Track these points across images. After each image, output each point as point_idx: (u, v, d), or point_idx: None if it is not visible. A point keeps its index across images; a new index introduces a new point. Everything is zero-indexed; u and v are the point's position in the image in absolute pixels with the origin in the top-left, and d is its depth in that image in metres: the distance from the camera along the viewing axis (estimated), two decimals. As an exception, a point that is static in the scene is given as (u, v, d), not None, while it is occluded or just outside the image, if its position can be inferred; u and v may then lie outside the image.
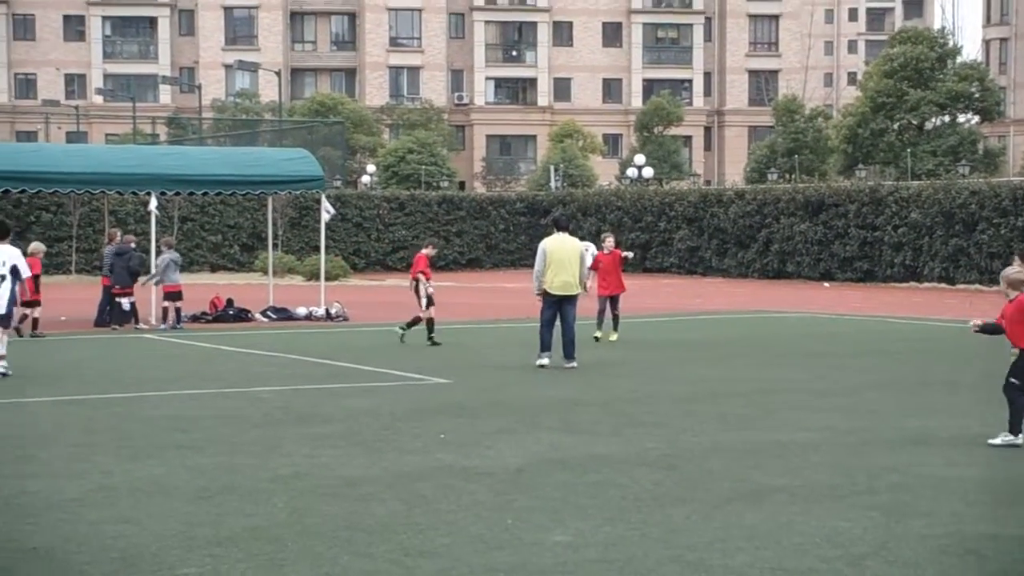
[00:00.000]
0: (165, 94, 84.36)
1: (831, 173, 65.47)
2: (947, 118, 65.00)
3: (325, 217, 27.70)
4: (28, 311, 21.81)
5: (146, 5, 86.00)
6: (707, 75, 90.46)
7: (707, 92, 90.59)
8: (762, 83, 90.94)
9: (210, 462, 10.49)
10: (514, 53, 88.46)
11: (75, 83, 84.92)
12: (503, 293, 36.65)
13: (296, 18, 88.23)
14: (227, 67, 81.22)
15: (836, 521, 8.44)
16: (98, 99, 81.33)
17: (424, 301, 21.12)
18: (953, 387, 14.75)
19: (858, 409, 13.71)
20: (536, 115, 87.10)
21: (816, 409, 13.69)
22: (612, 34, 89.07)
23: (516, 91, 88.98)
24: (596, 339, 21.07)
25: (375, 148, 76.51)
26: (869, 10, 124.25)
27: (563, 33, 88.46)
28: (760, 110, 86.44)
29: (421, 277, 21.28)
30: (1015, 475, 10.24)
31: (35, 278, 20.77)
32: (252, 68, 64.79)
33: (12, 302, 16.56)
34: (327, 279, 30.77)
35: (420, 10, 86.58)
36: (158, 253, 25.53)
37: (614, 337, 21.44)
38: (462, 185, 77.83)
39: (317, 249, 35.08)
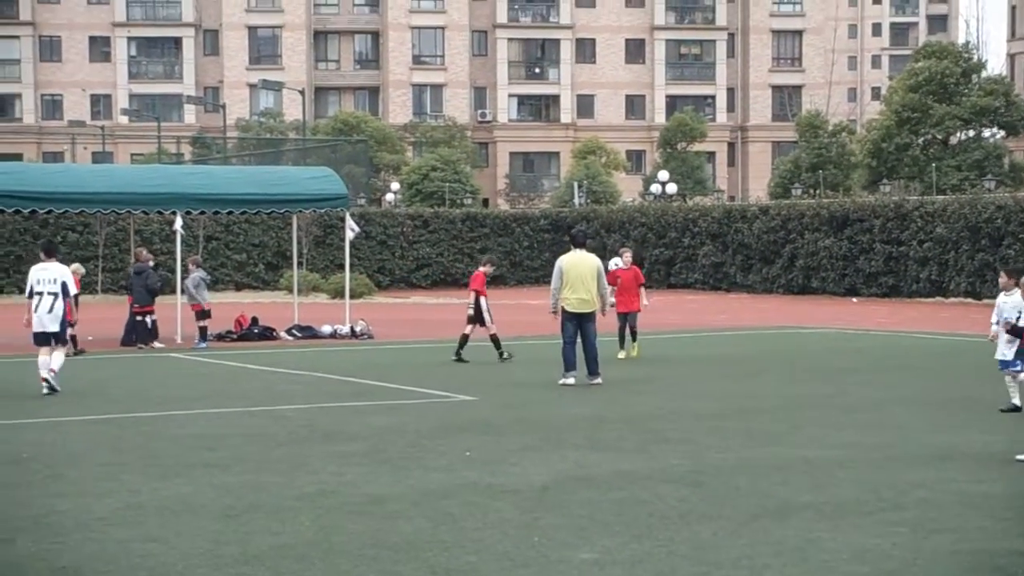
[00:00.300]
0: (190, 114, 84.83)
1: (855, 188, 65.29)
2: (972, 133, 64.76)
3: (349, 235, 27.77)
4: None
5: (171, 25, 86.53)
6: (730, 91, 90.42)
7: (730, 108, 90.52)
8: (785, 98, 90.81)
9: (236, 480, 10.52)
10: (537, 70, 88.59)
11: (101, 104, 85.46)
12: (527, 310, 36.62)
13: (320, 37, 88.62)
14: (251, 86, 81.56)
15: (864, 538, 8.40)
16: (123, 119, 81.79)
17: (473, 315, 21.16)
18: (979, 402, 14.67)
19: (884, 425, 13.65)
20: (559, 132, 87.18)
21: (842, 425, 13.64)
22: (635, 51, 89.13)
23: (539, 108, 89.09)
24: (620, 359, 21.00)
25: (399, 166, 76.68)
26: (893, 25, 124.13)
27: (586, 50, 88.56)
28: (784, 125, 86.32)
29: (478, 297, 21.26)
30: (1044, 491, 10.18)
31: (74, 297, 20.94)
32: (276, 87, 64.99)
33: (65, 320, 17.08)
34: (352, 297, 30.83)
35: (443, 28, 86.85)
36: (185, 272, 25.66)
37: (635, 352, 21.38)
38: (486, 202, 77.90)
39: (342, 267, 35.16)
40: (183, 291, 25.54)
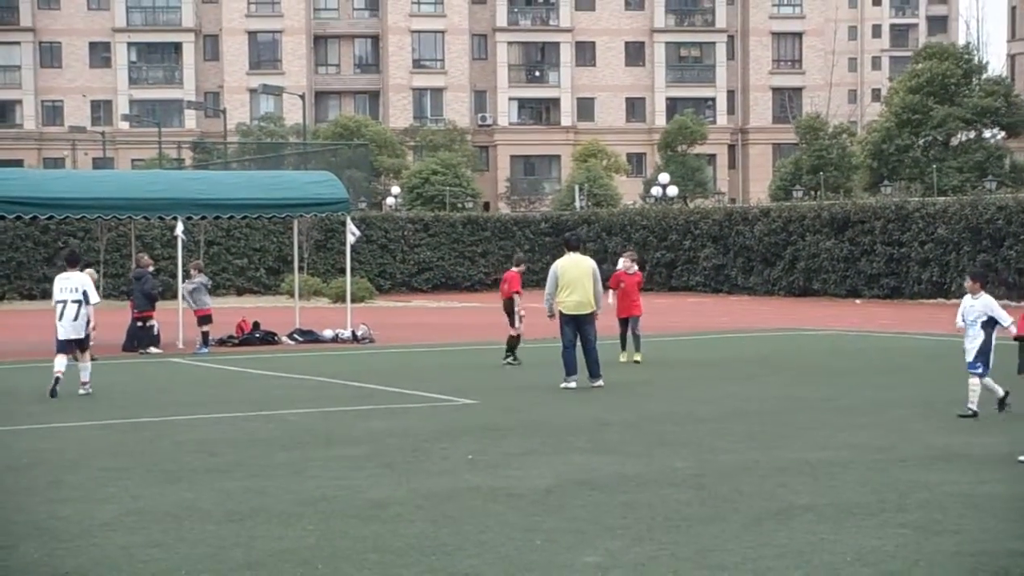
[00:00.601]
0: (190, 119, 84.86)
1: (856, 190, 65.31)
2: (973, 134, 64.77)
3: (350, 239, 27.78)
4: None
5: (171, 31, 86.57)
6: (730, 93, 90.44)
7: (731, 110, 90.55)
8: (786, 100, 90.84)
9: (239, 485, 10.52)
10: (537, 74, 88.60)
11: (101, 109, 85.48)
12: (528, 313, 36.62)
13: (320, 42, 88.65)
14: (251, 91, 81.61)
15: (867, 539, 8.40)
16: (124, 125, 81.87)
17: (517, 319, 21.17)
18: (980, 404, 14.64)
19: (886, 426, 13.65)
20: (560, 135, 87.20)
21: (844, 427, 13.64)
22: (635, 53, 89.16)
23: (539, 111, 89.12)
24: (622, 362, 21.03)
25: (399, 170, 76.72)
26: (893, 27, 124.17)
27: (586, 53, 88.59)
28: (784, 127, 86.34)
29: (516, 297, 21.41)
30: (1047, 492, 10.17)
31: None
32: (276, 92, 65.05)
33: (87, 327, 17.56)
34: (353, 301, 30.84)
35: (443, 32, 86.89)
36: (186, 277, 25.68)
37: (638, 357, 21.36)
38: (486, 206, 77.94)
39: (343, 271, 35.18)
40: (183, 296, 25.55)
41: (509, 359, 21.10)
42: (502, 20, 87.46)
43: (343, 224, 28.24)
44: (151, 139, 73.36)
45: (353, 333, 26.95)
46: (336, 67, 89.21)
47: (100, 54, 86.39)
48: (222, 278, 47.08)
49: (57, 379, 16.94)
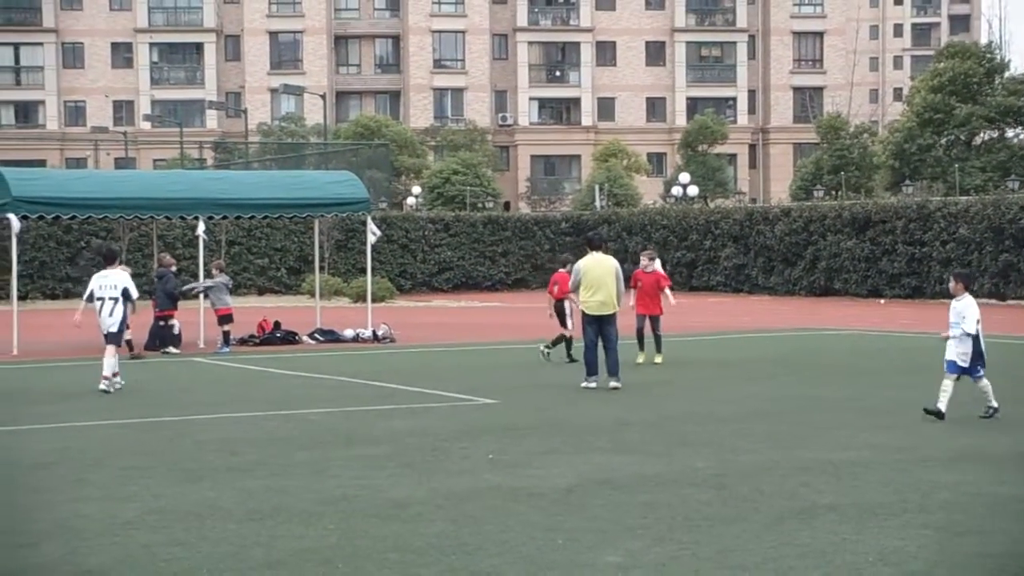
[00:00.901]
0: (212, 119, 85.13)
1: (878, 189, 65.10)
2: (996, 133, 64.48)
3: (371, 239, 27.80)
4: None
5: (192, 31, 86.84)
6: (751, 92, 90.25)
7: (751, 110, 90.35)
8: (807, 100, 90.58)
9: (260, 484, 10.54)
10: (558, 73, 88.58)
11: (123, 109, 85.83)
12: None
13: (340, 42, 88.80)
14: (273, 91, 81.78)
15: (889, 540, 8.38)
16: (146, 125, 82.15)
17: (569, 320, 21.29)
18: (1002, 403, 14.58)
19: (908, 427, 13.61)
20: (580, 135, 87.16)
21: (866, 427, 13.60)
22: (655, 53, 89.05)
23: (560, 111, 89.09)
24: (639, 363, 20.84)
25: (420, 170, 76.79)
26: (914, 26, 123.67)
27: (606, 53, 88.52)
28: (805, 127, 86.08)
29: (573, 296, 21.36)
30: (1070, 492, 10.12)
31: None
32: (297, 92, 65.14)
33: (124, 323, 18.18)
34: (373, 301, 30.89)
35: (463, 32, 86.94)
36: (208, 276, 25.76)
37: (659, 359, 21.22)
38: (507, 205, 77.97)
39: (363, 271, 35.22)
40: (205, 296, 25.63)
41: (547, 352, 21.29)
42: (522, 20, 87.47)
43: (364, 224, 28.27)
44: (173, 139, 73.59)
45: (374, 333, 26.99)
46: (357, 67, 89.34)
47: (122, 54, 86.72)
48: (243, 278, 47.21)
49: (109, 377, 17.42)
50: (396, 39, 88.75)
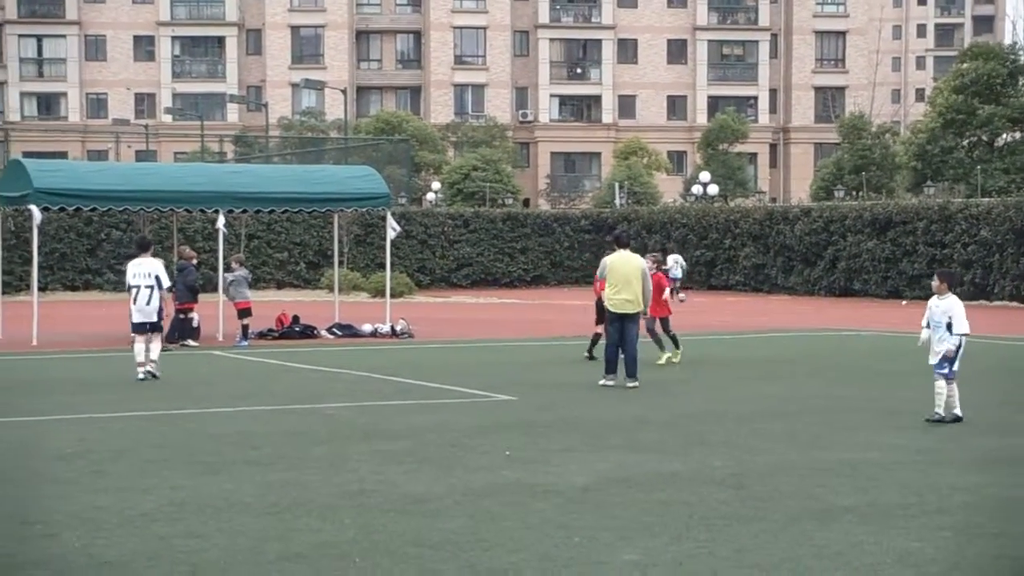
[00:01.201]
0: (232, 113, 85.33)
1: (899, 190, 64.85)
2: (1019, 134, 64.13)
3: (391, 234, 27.82)
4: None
5: (214, 25, 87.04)
6: (773, 92, 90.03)
7: (772, 109, 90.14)
8: (828, 100, 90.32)
9: (278, 478, 10.56)
10: (579, 71, 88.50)
11: (145, 102, 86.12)
12: (568, 310, 36.62)
13: (362, 37, 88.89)
14: (294, 85, 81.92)
15: (907, 541, 8.35)
16: (167, 118, 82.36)
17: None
18: (1021, 405, 14.55)
19: (926, 428, 13.56)
20: (601, 132, 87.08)
21: (884, 428, 13.56)
22: (677, 51, 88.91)
23: (580, 108, 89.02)
24: (659, 364, 20.71)
25: (440, 165, 76.80)
26: (938, 26, 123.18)
27: (628, 50, 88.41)
28: (826, 127, 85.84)
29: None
30: (1090, 496, 10.07)
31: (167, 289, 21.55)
32: (318, 86, 65.23)
33: (160, 311, 18.56)
34: (392, 296, 30.90)
35: (485, 28, 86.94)
36: (227, 269, 25.82)
37: (676, 358, 21.06)
38: (527, 202, 77.93)
39: (382, 266, 35.26)
40: (224, 289, 25.69)
41: (590, 357, 20.93)
42: (544, 17, 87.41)
43: (383, 219, 28.30)
44: (194, 132, 73.73)
45: (392, 328, 27.01)
46: (378, 62, 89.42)
47: (144, 47, 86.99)
48: (262, 272, 47.28)
49: (142, 366, 17.80)
50: (417, 35, 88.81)
